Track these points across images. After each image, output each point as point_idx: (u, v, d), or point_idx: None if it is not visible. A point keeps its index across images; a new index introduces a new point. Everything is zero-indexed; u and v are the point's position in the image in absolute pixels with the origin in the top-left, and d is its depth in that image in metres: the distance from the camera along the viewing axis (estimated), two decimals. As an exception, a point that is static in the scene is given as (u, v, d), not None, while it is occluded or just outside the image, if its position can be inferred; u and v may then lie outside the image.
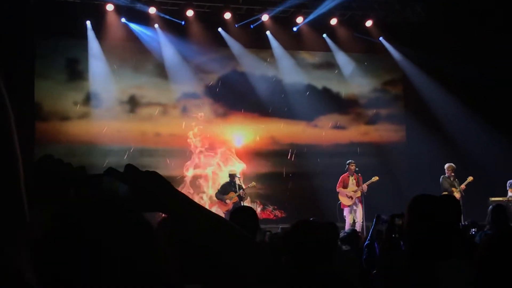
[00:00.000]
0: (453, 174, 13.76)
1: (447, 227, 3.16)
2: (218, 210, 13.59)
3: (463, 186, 13.58)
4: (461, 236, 3.95)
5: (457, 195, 13.36)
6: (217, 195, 13.84)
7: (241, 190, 13.52)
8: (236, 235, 1.49)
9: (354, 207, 13.57)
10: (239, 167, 15.53)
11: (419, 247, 3.15)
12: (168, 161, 15.27)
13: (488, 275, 2.63)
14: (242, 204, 13.41)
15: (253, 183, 14.17)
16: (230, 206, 13.28)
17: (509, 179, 13.82)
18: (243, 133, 16.07)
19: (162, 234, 2.80)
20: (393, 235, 4.30)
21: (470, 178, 13.62)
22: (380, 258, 4.56)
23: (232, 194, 13.45)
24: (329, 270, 3.01)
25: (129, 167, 1.45)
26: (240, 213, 4.61)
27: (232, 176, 13.73)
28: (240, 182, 13.77)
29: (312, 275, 2.92)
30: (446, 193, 13.40)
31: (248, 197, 14.29)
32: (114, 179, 1.43)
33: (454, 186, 13.60)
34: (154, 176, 1.46)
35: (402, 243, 3.84)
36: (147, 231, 1.26)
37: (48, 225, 1.25)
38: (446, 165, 13.89)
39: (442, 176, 13.80)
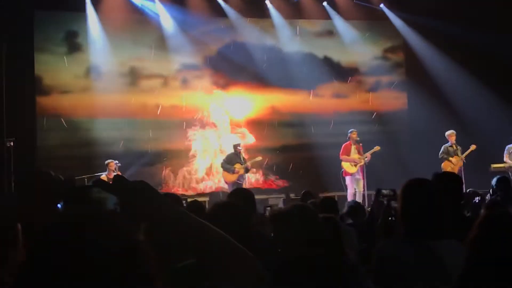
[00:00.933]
0: (455, 141, 13.76)
1: (440, 209, 3.21)
2: (221, 179, 14.08)
3: (463, 156, 13.60)
4: (458, 215, 3.97)
5: (459, 163, 13.41)
6: (223, 164, 13.74)
7: (248, 163, 13.55)
8: (221, 241, 1.51)
9: (357, 176, 13.57)
10: (240, 139, 15.58)
11: (412, 229, 3.21)
12: (170, 133, 15.29)
13: (478, 255, 2.69)
14: (245, 176, 13.52)
15: (259, 157, 14.13)
16: (236, 177, 13.36)
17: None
18: (243, 104, 16.04)
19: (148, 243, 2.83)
20: (390, 218, 4.35)
21: (473, 147, 13.63)
22: (375, 240, 4.62)
23: (238, 166, 13.47)
24: (321, 253, 3.05)
25: (118, 178, 1.47)
26: (236, 197, 4.68)
27: (236, 147, 13.75)
28: (242, 154, 13.81)
29: (304, 259, 2.96)
30: (446, 162, 13.50)
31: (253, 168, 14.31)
32: (103, 191, 1.45)
33: (457, 155, 13.63)
34: (142, 187, 1.47)
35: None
36: (134, 248, 1.27)
37: (31, 246, 1.26)
38: (448, 133, 13.86)
39: (444, 145, 13.82)
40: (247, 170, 13.59)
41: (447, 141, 13.84)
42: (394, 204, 4.37)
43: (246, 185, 13.58)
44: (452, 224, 3.38)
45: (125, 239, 1.27)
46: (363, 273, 3.31)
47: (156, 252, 1.30)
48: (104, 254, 1.22)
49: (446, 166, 13.34)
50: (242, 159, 13.56)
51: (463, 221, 3.96)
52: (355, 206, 7.00)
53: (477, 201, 7.33)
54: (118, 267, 1.22)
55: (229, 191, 11.54)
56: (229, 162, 13.59)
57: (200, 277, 1.68)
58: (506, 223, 2.71)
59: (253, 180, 15.61)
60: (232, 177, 13.41)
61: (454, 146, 13.74)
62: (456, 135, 13.85)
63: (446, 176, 4.65)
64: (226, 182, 13.81)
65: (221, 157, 14.29)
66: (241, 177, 13.44)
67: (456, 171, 12.87)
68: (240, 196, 4.64)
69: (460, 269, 2.95)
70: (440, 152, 13.76)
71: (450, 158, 13.62)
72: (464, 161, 13.59)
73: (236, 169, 13.40)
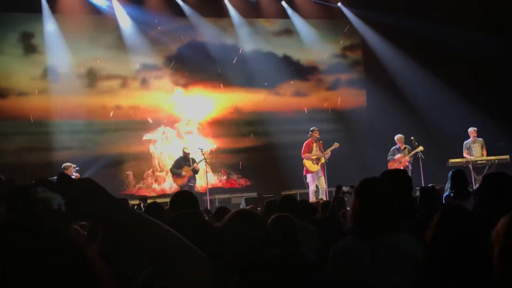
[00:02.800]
0: (403, 145, 14.08)
1: (389, 205, 3.27)
2: (173, 183, 14.19)
3: (408, 157, 13.89)
4: (409, 210, 4.05)
5: (404, 162, 13.68)
6: (171, 169, 14.01)
7: (195, 164, 13.62)
8: (170, 236, 1.50)
9: (318, 174, 13.64)
10: (201, 140, 15.58)
11: (362, 225, 3.27)
12: (129, 134, 15.17)
13: (437, 254, 2.74)
14: (195, 177, 13.72)
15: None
16: (186, 180, 13.56)
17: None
18: (204, 103, 16.00)
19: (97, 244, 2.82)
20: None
21: (420, 148, 13.90)
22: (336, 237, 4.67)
23: (186, 169, 13.59)
24: (278, 254, 3.08)
25: (62, 176, 1.44)
26: (180, 198, 4.70)
27: (185, 152, 13.88)
28: (204, 155, 13.82)
29: (261, 259, 2.97)
30: (390, 162, 13.82)
31: (208, 167, 14.26)
32: (47, 190, 1.43)
33: (403, 154, 13.97)
34: (87, 184, 1.45)
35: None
36: (75, 251, 1.25)
37: None
38: (397, 137, 14.18)
39: (392, 148, 14.14)
40: (196, 172, 13.78)
41: (403, 140, 14.13)
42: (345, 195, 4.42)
43: (207, 185, 13.62)
44: (404, 219, 3.44)
45: (75, 254, 1.25)
46: (322, 271, 3.35)
47: (103, 254, 1.29)
48: (49, 265, 1.20)
49: (391, 166, 13.63)
50: (191, 161, 13.65)
51: (414, 216, 4.05)
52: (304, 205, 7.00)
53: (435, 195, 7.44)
54: (63, 282, 1.20)
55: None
56: (177, 166, 13.77)
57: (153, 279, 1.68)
58: (461, 222, 2.77)
59: (216, 179, 15.62)
60: (182, 181, 13.57)
61: (401, 148, 14.07)
62: (409, 134, 14.09)
63: (394, 173, 4.72)
64: (177, 186, 13.89)
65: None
66: (192, 179, 13.58)
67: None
68: (181, 199, 4.65)
69: (415, 263, 3.02)
70: (388, 154, 14.13)
71: (395, 157, 13.94)
72: (411, 160, 13.84)
73: (183, 172, 13.57)
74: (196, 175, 13.84)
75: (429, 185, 9.15)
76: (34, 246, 1.19)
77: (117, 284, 1.38)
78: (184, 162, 13.75)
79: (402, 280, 3.13)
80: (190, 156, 13.82)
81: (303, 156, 13.75)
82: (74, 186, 1.43)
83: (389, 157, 14.12)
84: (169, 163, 14.60)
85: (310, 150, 13.71)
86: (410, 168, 13.66)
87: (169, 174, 14.44)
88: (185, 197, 4.69)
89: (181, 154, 13.98)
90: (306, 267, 3.34)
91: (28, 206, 1.39)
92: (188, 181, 13.54)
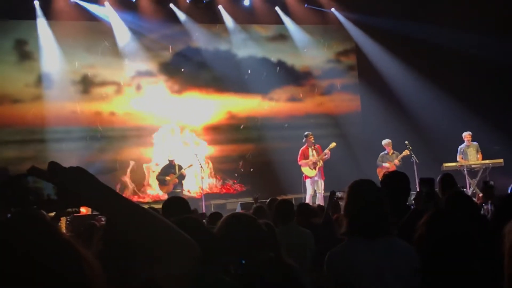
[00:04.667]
0: (391, 149, 14.12)
1: (381, 208, 3.29)
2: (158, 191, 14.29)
3: (396, 161, 13.93)
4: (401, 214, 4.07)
5: (392, 167, 13.71)
6: (157, 177, 14.11)
7: (182, 170, 13.65)
8: (160, 221, 1.53)
9: (316, 178, 13.64)
10: (196, 146, 15.59)
11: (354, 227, 3.29)
12: (124, 140, 15.15)
13: (428, 253, 2.76)
14: (182, 183, 13.79)
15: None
16: (171, 187, 13.63)
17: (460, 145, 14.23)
18: (199, 109, 16.00)
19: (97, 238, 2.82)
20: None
21: (405, 152, 13.92)
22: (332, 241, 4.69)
23: (171, 176, 13.65)
24: (270, 257, 3.09)
25: (52, 164, 1.47)
26: (173, 203, 4.72)
27: (170, 159, 13.94)
28: (199, 160, 13.82)
29: (253, 263, 2.98)
30: (378, 168, 13.86)
31: (203, 172, 14.28)
32: (38, 178, 1.44)
33: (391, 160, 13.99)
34: (78, 172, 1.48)
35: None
36: (66, 245, 1.26)
37: None
38: (384, 142, 14.22)
39: (380, 154, 14.18)
40: (182, 178, 13.80)
41: (391, 145, 14.18)
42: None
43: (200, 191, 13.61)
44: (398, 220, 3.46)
45: (67, 254, 1.26)
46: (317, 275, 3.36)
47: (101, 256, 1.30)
48: (42, 265, 1.21)
49: (379, 172, 13.65)
50: (176, 169, 13.68)
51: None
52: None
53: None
54: (57, 282, 1.21)
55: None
56: (163, 174, 13.85)
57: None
58: (447, 221, 2.80)
59: (210, 184, 15.62)
60: (167, 188, 13.68)
61: (389, 153, 14.11)
62: (403, 138, 14.12)
63: (393, 176, 4.75)
64: (163, 193, 13.92)
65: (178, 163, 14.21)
66: (178, 185, 13.67)
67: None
68: (174, 204, 4.67)
69: (411, 266, 3.04)
70: (377, 160, 14.17)
71: (383, 164, 13.98)
72: (399, 165, 13.87)
73: (168, 180, 13.64)
74: (183, 181, 13.84)
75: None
76: (26, 246, 1.20)
77: (116, 284, 1.39)
78: (169, 169, 13.79)
79: (398, 283, 3.14)
80: (177, 163, 13.82)
81: (299, 163, 13.74)
82: (65, 174, 1.45)
83: (377, 163, 14.17)
84: (157, 170, 14.58)
85: (306, 157, 13.70)
86: None
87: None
88: (178, 203, 4.71)
89: (166, 162, 14.00)
90: (292, 273, 3.37)
91: (18, 194, 1.40)
92: (174, 188, 13.57)
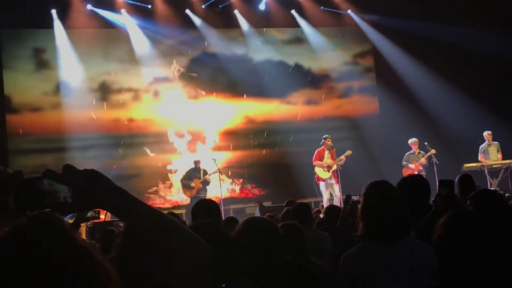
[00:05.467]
0: (417, 149, 13.99)
1: (398, 210, 3.24)
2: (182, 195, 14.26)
3: (423, 160, 13.80)
4: (417, 216, 4.00)
5: (417, 167, 13.59)
6: (182, 181, 14.10)
7: (206, 176, 13.63)
8: (175, 225, 1.53)
9: (329, 181, 13.60)
10: (215, 151, 15.63)
11: (370, 229, 3.24)
12: (143, 146, 15.23)
13: (447, 254, 2.71)
14: (206, 189, 13.77)
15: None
16: (195, 192, 13.58)
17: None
18: (217, 114, 16.01)
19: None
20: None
21: (432, 151, 13.80)
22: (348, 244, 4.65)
23: (196, 181, 13.62)
24: (289, 260, 3.05)
25: (68, 167, 1.47)
26: (199, 209, 4.62)
27: (196, 163, 13.90)
28: (217, 166, 13.83)
29: (271, 267, 2.95)
30: (404, 169, 13.72)
31: (222, 177, 14.29)
32: (53, 181, 1.44)
33: (416, 160, 13.87)
34: (93, 175, 1.48)
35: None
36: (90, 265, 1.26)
37: None
38: (410, 141, 14.10)
39: (406, 153, 14.07)
40: (207, 183, 13.79)
41: (417, 144, 14.05)
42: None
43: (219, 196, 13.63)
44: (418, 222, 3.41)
45: (82, 258, 1.26)
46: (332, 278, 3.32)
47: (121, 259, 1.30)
48: (56, 269, 1.21)
49: (405, 172, 13.55)
50: (201, 173, 13.67)
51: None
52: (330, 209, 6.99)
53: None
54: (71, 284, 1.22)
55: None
56: (188, 178, 13.83)
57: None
58: (466, 221, 2.75)
59: (229, 189, 15.62)
60: (191, 192, 13.66)
61: (415, 152, 13.98)
62: (422, 140, 14.01)
63: (411, 179, 4.69)
64: (187, 197, 13.92)
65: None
66: (201, 190, 13.62)
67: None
68: (202, 208, 4.58)
69: (427, 269, 2.99)
70: (403, 159, 14.06)
71: (409, 165, 13.87)
72: (426, 164, 13.75)
73: (193, 184, 13.64)
74: (207, 186, 13.83)
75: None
76: (41, 249, 1.21)
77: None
78: (194, 173, 13.80)
79: (414, 284, 3.10)
80: (202, 167, 13.84)
81: (314, 163, 13.74)
82: (80, 177, 1.46)
83: (403, 163, 14.05)
84: (182, 174, 14.59)
85: (321, 158, 13.70)
86: (424, 173, 13.58)
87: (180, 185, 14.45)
88: (208, 206, 4.63)
89: (192, 166, 14.01)
90: (316, 274, 3.31)
91: (34, 197, 1.41)
92: (197, 192, 13.52)
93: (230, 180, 15.79)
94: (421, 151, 14.02)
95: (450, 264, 2.72)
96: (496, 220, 3.30)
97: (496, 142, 14.03)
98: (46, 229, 1.29)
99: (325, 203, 13.09)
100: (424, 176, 11.84)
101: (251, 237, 3.02)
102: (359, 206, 3.41)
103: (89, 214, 5.34)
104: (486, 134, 13.98)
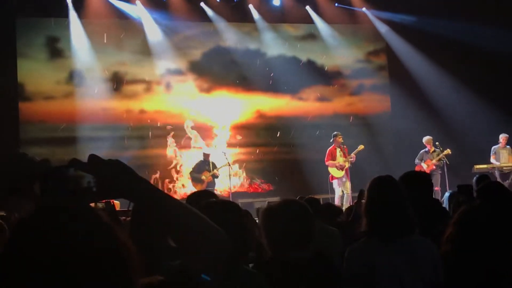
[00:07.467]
0: (437, 144, 13.90)
1: (403, 206, 3.22)
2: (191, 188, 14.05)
3: (435, 161, 13.72)
4: (424, 213, 3.99)
5: (430, 166, 13.52)
6: (191, 173, 14.07)
7: (215, 170, 13.63)
8: (195, 215, 1.58)
9: (343, 179, 13.59)
10: (224, 145, 15.65)
11: (374, 226, 3.23)
12: (154, 138, 15.27)
13: (455, 251, 2.71)
14: (214, 182, 13.79)
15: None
16: (205, 185, 13.51)
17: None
18: (228, 108, 16.02)
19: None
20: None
21: (447, 151, 13.74)
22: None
23: (206, 174, 13.59)
24: (306, 254, 3.03)
25: (93, 157, 1.51)
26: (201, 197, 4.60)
27: (206, 156, 13.89)
28: (227, 160, 13.86)
29: (287, 260, 2.95)
30: (417, 167, 13.64)
31: (231, 171, 14.33)
32: (79, 170, 1.46)
33: (430, 159, 13.79)
34: (117, 165, 1.53)
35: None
36: (115, 247, 1.28)
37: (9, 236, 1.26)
38: (425, 139, 14.04)
39: (420, 151, 14.02)
40: (216, 177, 13.82)
41: (431, 143, 14.00)
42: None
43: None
44: (423, 221, 3.38)
45: (107, 237, 1.28)
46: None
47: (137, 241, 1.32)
48: (83, 248, 1.23)
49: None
50: (211, 166, 13.65)
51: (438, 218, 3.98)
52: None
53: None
54: (97, 263, 1.23)
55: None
56: (198, 171, 13.82)
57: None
58: (478, 219, 2.74)
59: (238, 183, 15.64)
60: (201, 186, 13.57)
61: (430, 150, 13.91)
62: (435, 139, 13.96)
63: (413, 175, 4.64)
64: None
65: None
66: (211, 184, 13.64)
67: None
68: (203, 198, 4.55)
69: (431, 265, 2.98)
70: (416, 157, 14.00)
71: (422, 164, 13.82)
72: (438, 164, 13.69)
73: (203, 177, 13.62)
74: (215, 179, 13.83)
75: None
76: (65, 233, 1.22)
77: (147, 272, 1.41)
78: (204, 166, 13.79)
79: (417, 281, 3.10)
80: (211, 160, 13.85)
81: (326, 163, 13.70)
82: (104, 166, 1.50)
83: (416, 161, 13.97)
84: (189, 167, 14.60)
85: (333, 157, 13.65)
86: (439, 172, 13.53)
87: (189, 178, 14.46)
88: (206, 197, 4.61)
89: (201, 159, 14.03)
90: (335, 271, 3.29)
91: (59, 185, 1.44)
92: (208, 186, 13.47)
93: (239, 174, 15.80)
94: (436, 149, 13.91)
95: (461, 261, 2.72)
96: (506, 212, 3.29)
97: (509, 147, 14.00)
98: (73, 210, 1.31)
99: (337, 201, 13.10)
100: (438, 175, 11.83)
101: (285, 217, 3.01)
102: (363, 201, 3.40)
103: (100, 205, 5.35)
104: (503, 136, 13.98)
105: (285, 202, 3.21)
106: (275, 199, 13.90)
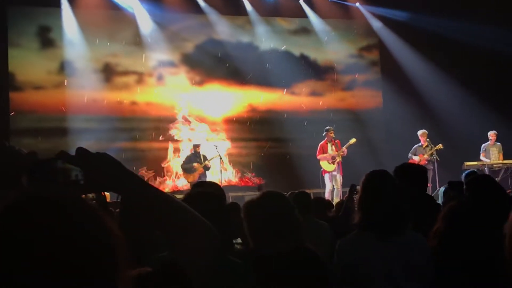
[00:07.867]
0: (427, 140, 13.89)
1: (397, 202, 3.21)
2: (183, 181, 14.18)
3: (427, 156, 13.72)
4: (418, 208, 3.98)
5: (422, 161, 13.52)
6: (182, 165, 14.02)
7: (206, 161, 13.59)
8: (184, 207, 1.59)
9: (334, 173, 13.60)
10: (216, 138, 15.61)
11: (367, 220, 3.22)
12: (145, 130, 15.22)
13: (442, 246, 2.71)
14: (206, 175, 13.66)
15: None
16: (196, 177, 13.46)
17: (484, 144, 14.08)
18: (220, 101, 15.99)
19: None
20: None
21: (438, 146, 13.75)
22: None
23: (197, 165, 13.53)
24: (292, 246, 3.02)
25: (80, 150, 1.50)
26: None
27: (196, 147, 13.85)
28: (219, 153, 13.84)
29: (275, 252, 2.93)
30: (413, 160, 13.62)
31: (222, 164, 14.32)
32: (66, 163, 1.45)
33: (422, 153, 13.80)
34: (105, 158, 1.52)
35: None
36: (106, 236, 1.26)
37: None
38: (419, 132, 14.03)
39: (414, 146, 14.01)
40: (207, 169, 13.72)
41: (426, 136, 14.00)
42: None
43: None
44: (417, 216, 3.38)
45: (97, 226, 1.26)
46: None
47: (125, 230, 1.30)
48: (72, 237, 1.20)
49: None
50: (202, 158, 13.62)
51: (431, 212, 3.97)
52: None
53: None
54: (85, 253, 1.21)
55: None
56: (188, 163, 13.77)
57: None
58: (465, 214, 2.75)
59: (229, 177, 15.62)
60: (193, 177, 13.50)
61: (424, 145, 13.90)
62: (428, 134, 13.96)
63: (407, 167, 4.64)
64: (188, 183, 13.85)
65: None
66: (202, 176, 13.53)
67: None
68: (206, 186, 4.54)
69: (422, 259, 2.98)
70: (410, 151, 14.00)
71: (413, 157, 13.81)
72: (430, 159, 13.70)
73: (196, 167, 13.52)
74: (207, 172, 13.80)
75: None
76: (54, 218, 1.20)
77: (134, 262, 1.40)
78: (194, 158, 13.73)
79: (409, 279, 3.09)
80: (202, 153, 13.82)
81: (318, 157, 13.70)
82: (92, 159, 1.50)
83: (409, 155, 13.95)
84: (182, 159, 14.57)
85: (325, 152, 13.65)
86: (431, 167, 13.54)
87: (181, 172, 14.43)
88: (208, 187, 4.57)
89: (192, 151, 14.01)
90: (320, 264, 3.28)
91: (47, 177, 1.42)
92: (199, 178, 13.41)
93: (230, 168, 15.78)
94: (429, 144, 13.91)
95: (446, 256, 2.72)
96: (492, 205, 3.29)
97: (499, 143, 14.02)
98: (63, 199, 1.29)
99: (327, 195, 13.11)
100: (430, 171, 11.79)
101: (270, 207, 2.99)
102: (357, 195, 3.40)
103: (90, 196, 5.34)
104: (492, 133, 13.98)
105: (266, 194, 3.20)
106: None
